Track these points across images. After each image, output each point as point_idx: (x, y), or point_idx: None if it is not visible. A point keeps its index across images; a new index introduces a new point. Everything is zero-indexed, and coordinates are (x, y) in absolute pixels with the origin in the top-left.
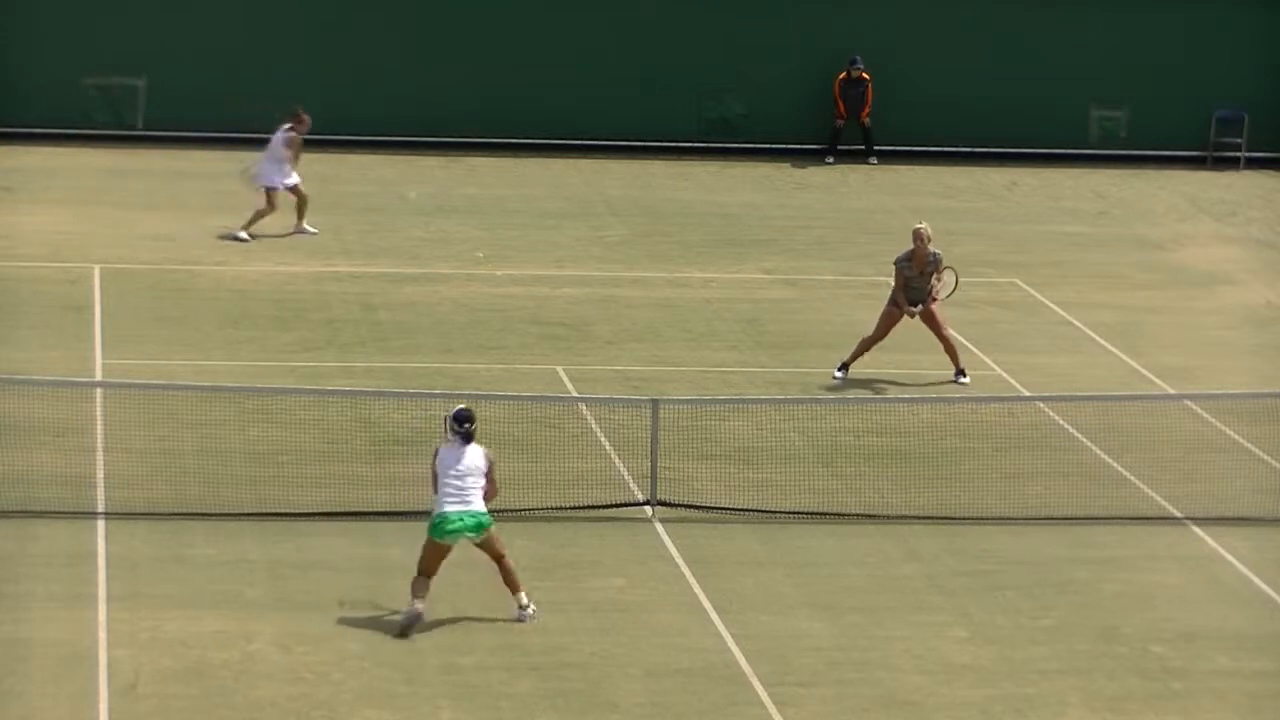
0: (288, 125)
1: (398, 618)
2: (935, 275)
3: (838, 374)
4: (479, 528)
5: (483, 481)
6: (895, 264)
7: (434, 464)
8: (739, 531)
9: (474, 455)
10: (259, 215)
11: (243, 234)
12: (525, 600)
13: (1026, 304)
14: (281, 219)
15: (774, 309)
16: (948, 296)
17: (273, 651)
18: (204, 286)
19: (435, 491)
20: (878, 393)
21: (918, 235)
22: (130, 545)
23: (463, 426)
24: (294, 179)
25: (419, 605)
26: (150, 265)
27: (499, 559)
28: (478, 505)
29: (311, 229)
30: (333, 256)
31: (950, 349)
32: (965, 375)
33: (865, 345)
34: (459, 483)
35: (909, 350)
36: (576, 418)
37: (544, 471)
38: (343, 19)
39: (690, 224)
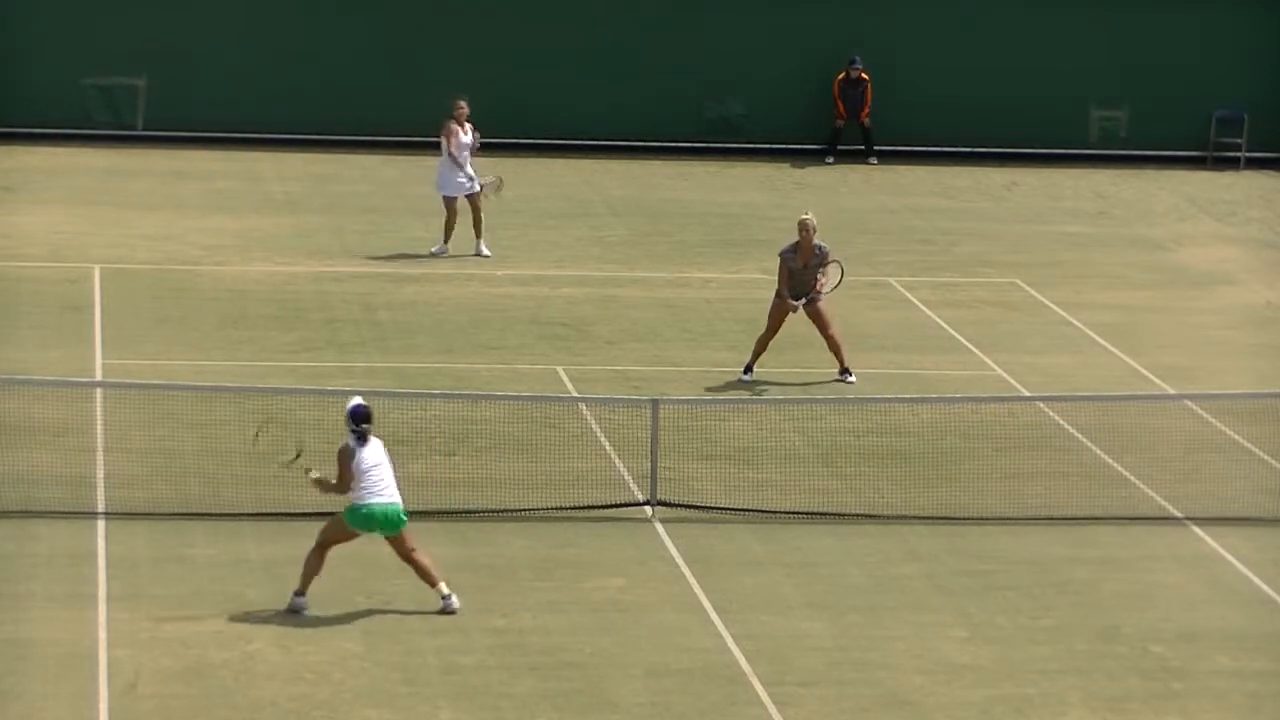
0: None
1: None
2: (821, 269)
3: (744, 376)
4: (397, 519)
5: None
6: (780, 255)
7: (349, 464)
8: (739, 531)
9: (377, 447)
10: (447, 227)
11: (439, 248)
12: (446, 590)
13: (1026, 304)
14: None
15: None
16: (829, 291)
17: (273, 651)
18: (204, 286)
19: (351, 488)
20: (878, 393)
21: (803, 226)
22: (130, 545)
23: (360, 427)
24: (473, 185)
25: (304, 597)
26: (150, 265)
27: (409, 555)
28: (395, 497)
29: (486, 250)
30: (333, 256)
31: (835, 348)
32: (851, 375)
33: (762, 343)
34: (379, 474)
35: (909, 350)
36: (576, 418)
37: (544, 471)
38: (343, 19)
39: (690, 224)
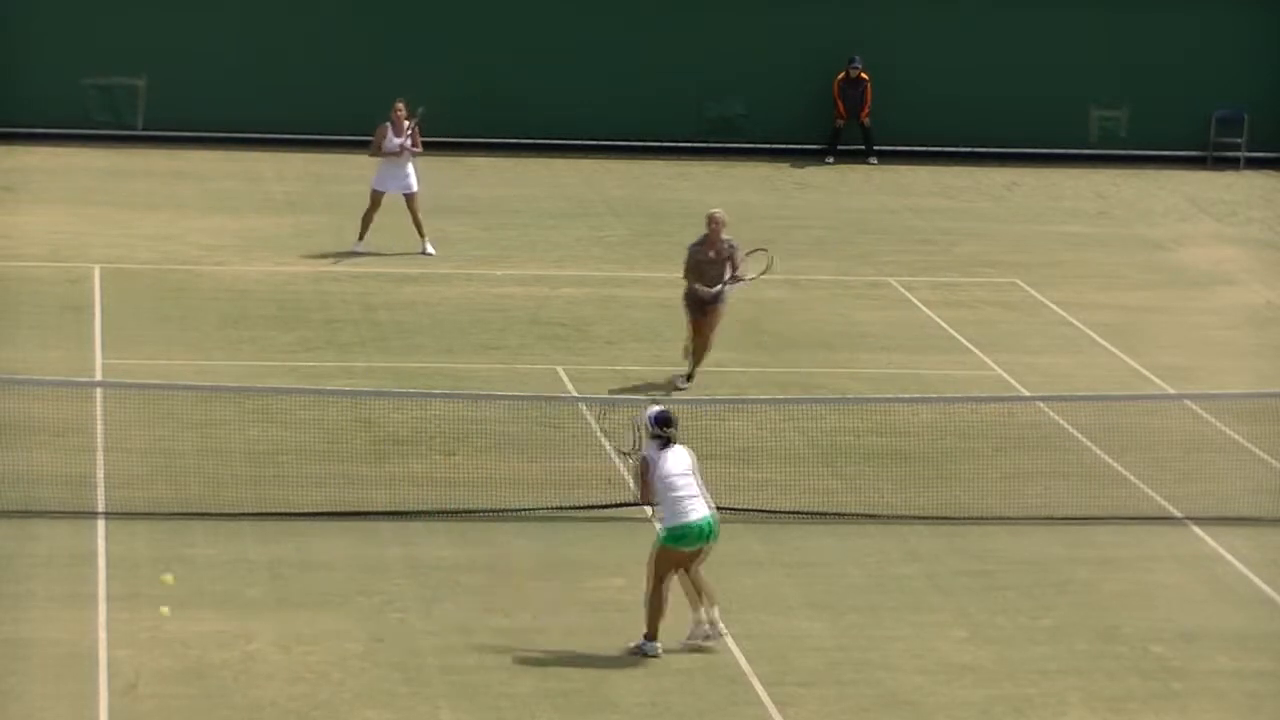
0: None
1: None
2: (731, 263)
3: (683, 384)
4: (715, 528)
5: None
6: (689, 248)
7: (648, 473)
8: (739, 531)
9: (684, 454)
10: (364, 220)
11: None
12: (715, 615)
13: (1026, 304)
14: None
15: (773, 309)
16: (752, 279)
17: (273, 651)
18: (204, 286)
19: (654, 502)
20: (878, 393)
21: (711, 219)
22: (130, 545)
23: (666, 430)
24: (407, 185)
25: (657, 643)
26: (150, 265)
27: (697, 570)
28: (710, 507)
29: (430, 249)
30: (333, 256)
31: (702, 351)
32: (691, 380)
33: (689, 346)
34: (690, 483)
35: (909, 350)
36: (576, 418)
37: (544, 471)
38: (342, 19)
39: (690, 224)
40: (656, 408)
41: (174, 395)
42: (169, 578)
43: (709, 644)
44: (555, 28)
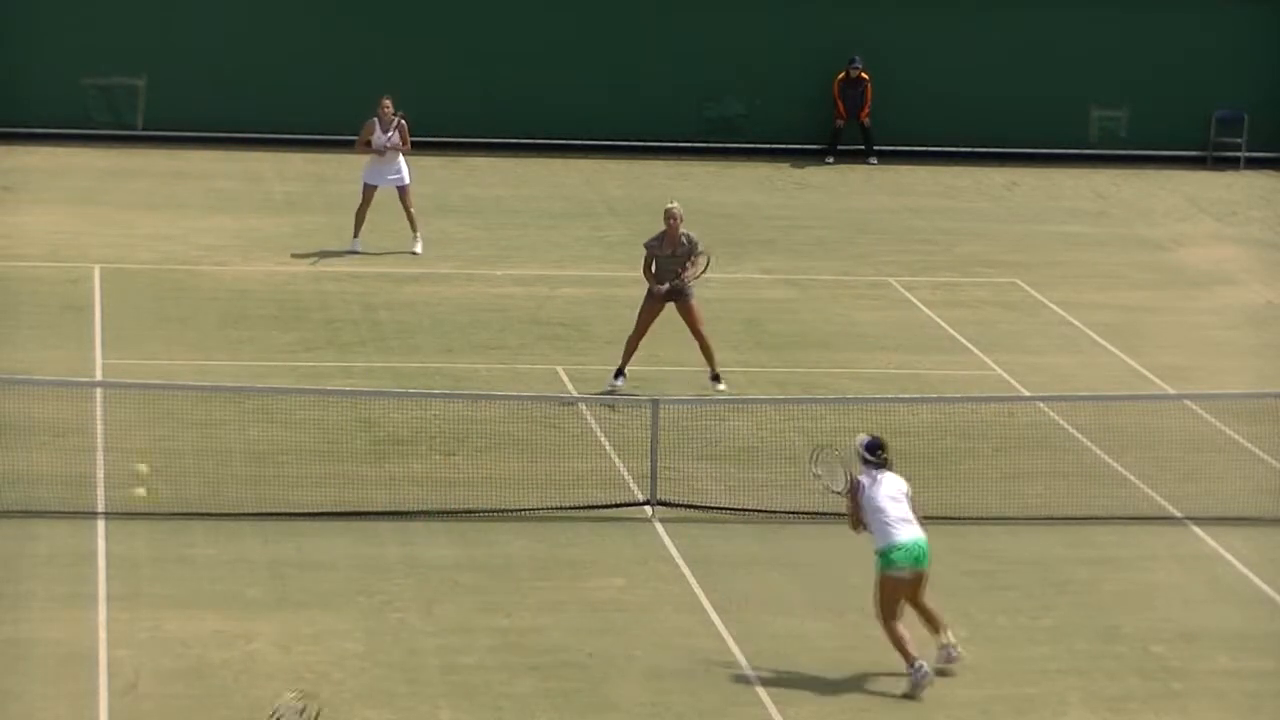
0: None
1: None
2: (690, 259)
3: (616, 381)
4: (927, 554)
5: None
6: (645, 245)
7: (858, 498)
8: (739, 531)
9: (895, 480)
10: (358, 216)
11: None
12: (950, 638)
13: (1026, 304)
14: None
15: (774, 309)
16: (695, 278)
17: (273, 651)
18: (204, 286)
19: (867, 527)
20: (878, 393)
21: (669, 214)
22: (130, 545)
23: (878, 456)
24: (399, 179)
25: (920, 664)
26: (150, 265)
27: (923, 608)
28: (922, 532)
29: (418, 248)
30: (333, 256)
31: (706, 349)
32: (721, 381)
33: (631, 344)
34: (900, 507)
35: (909, 350)
36: (576, 418)
37: (544, 471)
38: (342, 19)
39: (690, 224)
40: (866, 436)
41: (174, 395)
42: (143, 467)
43: (952, 666)
44: (555, 28)
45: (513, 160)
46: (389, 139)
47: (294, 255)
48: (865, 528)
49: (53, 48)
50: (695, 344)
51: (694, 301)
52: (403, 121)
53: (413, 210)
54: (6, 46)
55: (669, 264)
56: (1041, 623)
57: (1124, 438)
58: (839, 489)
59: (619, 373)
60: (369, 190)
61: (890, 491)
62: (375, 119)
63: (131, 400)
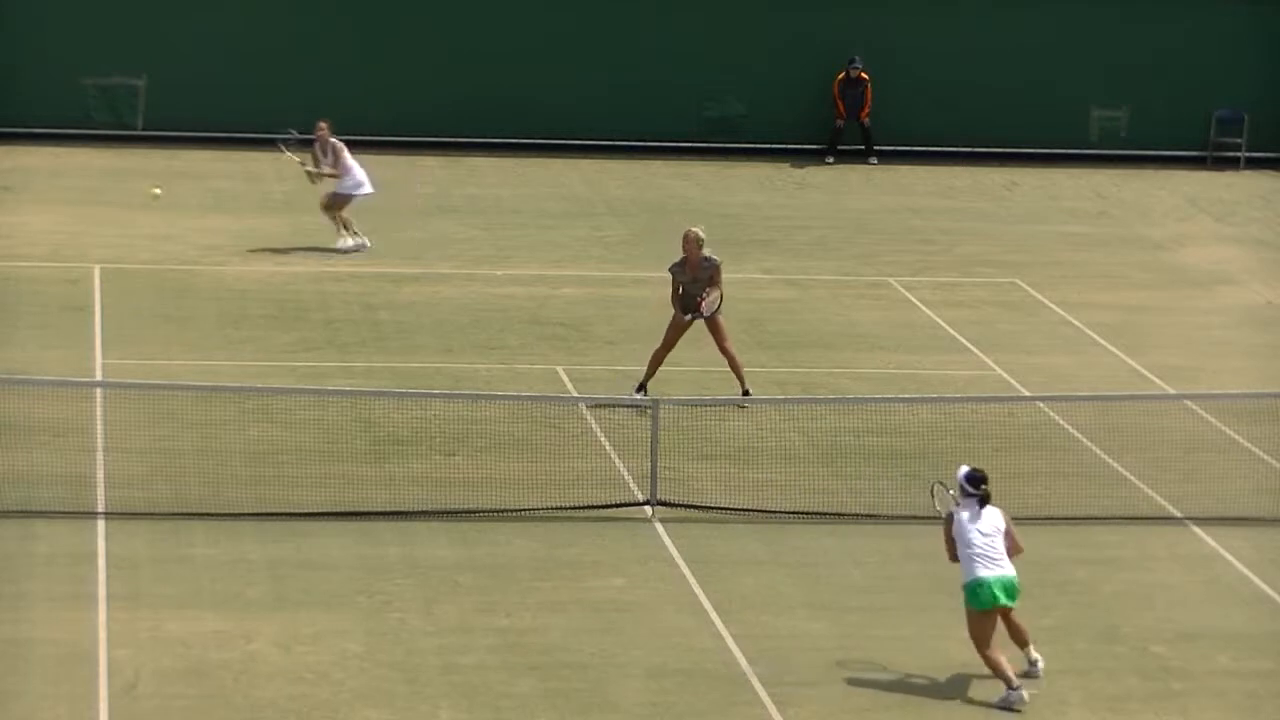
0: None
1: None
2: (711, 282)
3: (638, 394)
4: (1013, 590)
5: (1004, 541)
6: (670, 271)
7: (950, 529)
8: (739, 531)
9: (993, 516)
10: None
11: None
12: (1034, 655)
13: (1026, 304)
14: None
15: (774, 309)
16: (711, 312)
17: (273, 651)
18: (204, 286)
19: (956, 558)
20: (878, 393)
21: (686, 239)
22: (130, 545)
23: (979, 489)
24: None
25: (1018, 688)
26: (150, 265)
27: (1016, 625)
28: (1009, 569)
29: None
30: (333, 256)
31: (734, 365)
32: (749, 392)
33: (657, 359)
34: (989, 543)
35: (909, 350)
36: (576, 418)
37: (544, 471)
38: (343, 19)
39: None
40: (966, 468)
41: (174, 395)
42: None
43: (1031, 679)
44: (555, 28)
45: (513, 160)
46: (326, 163)
47: (294, 255)
48: (957, 560)
49: (53, 48)
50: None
51: (720, 319)
52: (335, 143)
53: (340, 215)
54: (6, 46)
55: (693, 289)
56: (1041, 623)
57: (1124, 438)
58: (943, 513)
59: (641, 386)
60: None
61: (984, 527)
62: (316, 145)
63: (131, 400)
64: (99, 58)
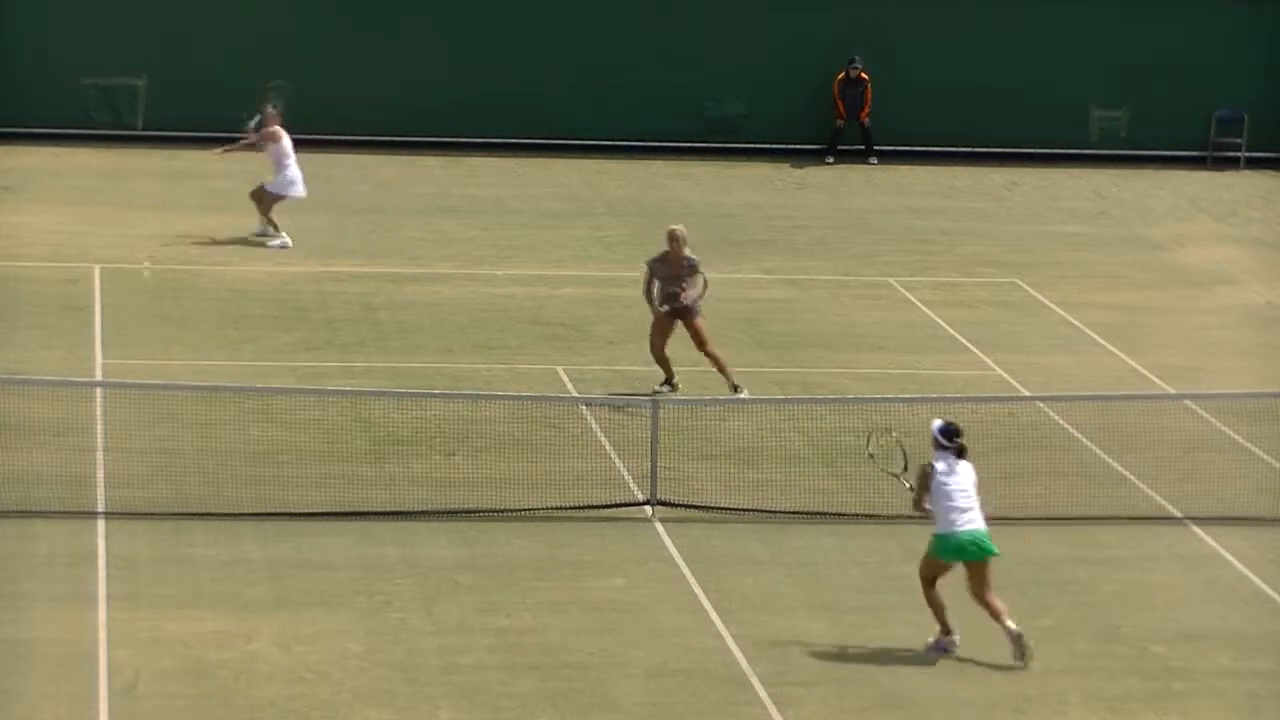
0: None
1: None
2: (689, 279)
3: (662, 388)
4: (985, 543)
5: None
6: (647, 264)
7: (928, 481)
8: (739, 531)
9: (968, 468)
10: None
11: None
12: (1013, 626)
13: (1026, 304)
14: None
15: (774, 309)
16: (694, 302)
17: (273, 651)
18: (204, 286)
19: (930, 507)
20: (878, 393)
21: (671, 237)
22: (130, 545)
23: (954, 441)
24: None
25: (952, 634)
26: (150, 265)
27: (984, 594)
28: (981, 522)
29: (256, 229)
30: (333, 256)
31: (719, 364)
32: (742, 389)
33: (659, 355)
34: (967, 500)
35: (909, 350)
36: (576, 418)
37: (544, 471)
38: (342, 19)
39: (690, 224)
40: (940, 421)
41: (174, 395)
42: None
43: (1023, 651)
44: (555, 28)
45: (513, 160)
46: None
47: (294, 255)
48: (927, 510)
49: (53, 48)
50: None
51: (699, 321)
52: (278, 130)
53: (268, 214)
54: (6, 46)
55: (670, 285)
56: (1041, 623)
57: (1124, 438)
58: (897, 470)
59: (666, 381)
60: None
61: (962, 482)
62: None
63: (131, 400)
64: (99, 58)
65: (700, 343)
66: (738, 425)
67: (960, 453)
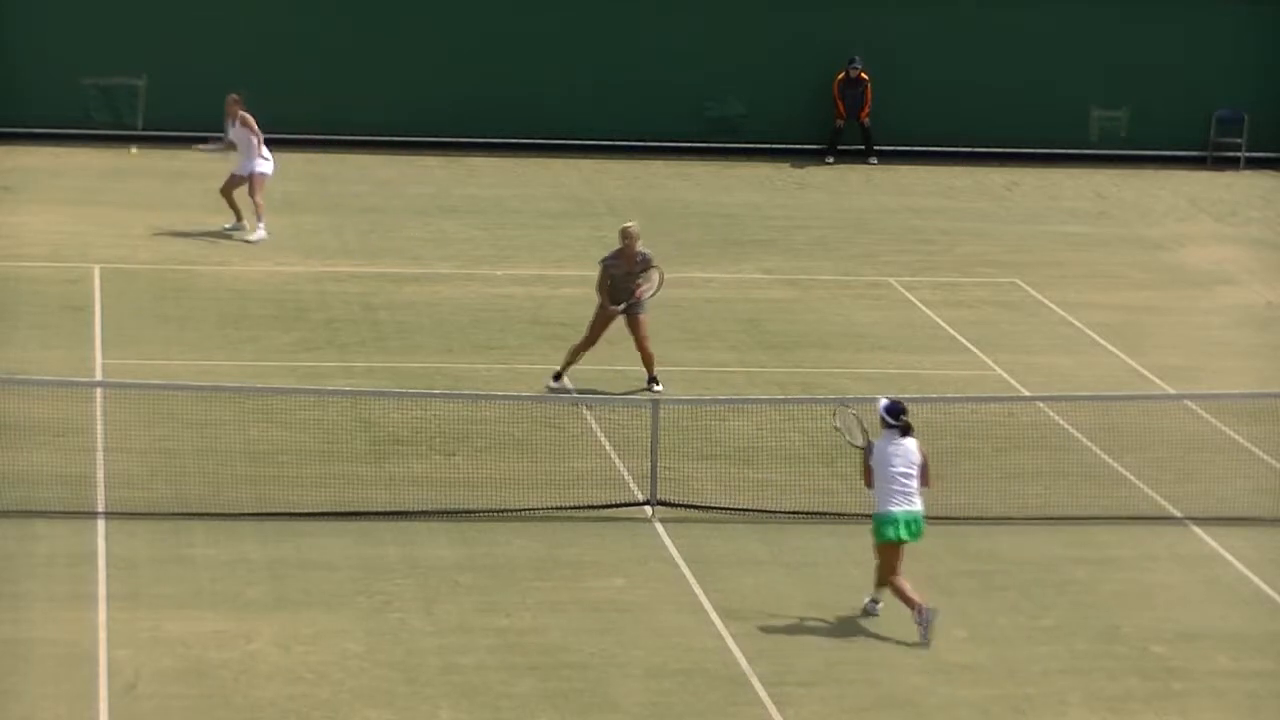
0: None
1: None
2: (643, 275)
3: (553, 383)
4: (917, 527)
5: (919, 475)
6: (601, 263)
7: (869, 459)
8: (739, 531)
9: (912, 448)
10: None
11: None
12: (878, 596)
13: (1026, 304)
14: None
15: (774, 309)
16: (650, 296)
17: (273, 651)
18: (204, 286)
19: (872, 488)
20: (878, 393)
21: (625, 234)
22: (130, 545)
23: (899, 420)
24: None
25: (927, 607)
26: (150, 265)
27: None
28: (918, 505)
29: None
30: (333, 256)
31: (647, 359)
32: (658, 383)
33: (575, 351)
34: (904, 477)
35: (909, 350)
36: (576, 418)
37: (544, 471)
38: (341, 19)
39: (690, 224)
40: (885, 399)
41: (174, 395)
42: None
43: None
44: (556, 28)
45: (513, 160)
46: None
47: (294, 255)
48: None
49: (53, 48)
50: (635, 350)
51: (644, 316)
52: (246, 115)
53: (247, 199)
54: (6, 46)
55: (625, 282)
56: (1041, 623)
57: (1124, 438)
58: (859, 444)
59: (558, 375)
60: (261, 180)
61: (902, 461)
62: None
63: (131, 400)
64: (99, 58)
65: (639, 337)
66: (738, 425)
67: (905, 431)
